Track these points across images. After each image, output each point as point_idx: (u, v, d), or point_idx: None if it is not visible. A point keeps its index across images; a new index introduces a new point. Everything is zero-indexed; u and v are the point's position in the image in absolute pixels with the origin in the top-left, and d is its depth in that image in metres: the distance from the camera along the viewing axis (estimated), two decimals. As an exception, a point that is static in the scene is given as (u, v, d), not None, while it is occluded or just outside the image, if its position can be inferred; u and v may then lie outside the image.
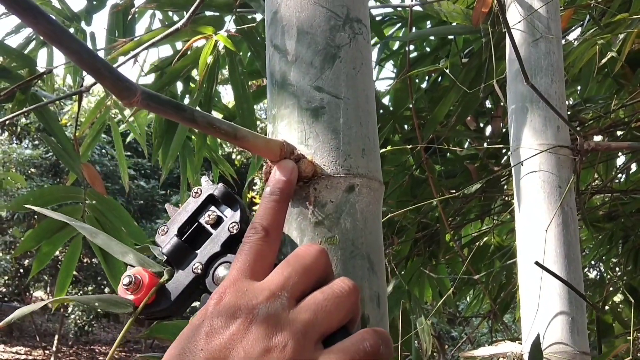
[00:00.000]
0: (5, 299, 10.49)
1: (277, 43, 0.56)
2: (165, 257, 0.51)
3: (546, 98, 1.08)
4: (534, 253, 1.08)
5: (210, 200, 0.53)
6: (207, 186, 0.53)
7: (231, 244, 0.49)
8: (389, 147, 1.66)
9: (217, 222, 0.51)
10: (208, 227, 0.51)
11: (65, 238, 1.87)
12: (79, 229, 0.56)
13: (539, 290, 1.07)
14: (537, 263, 0.93)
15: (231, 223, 0.50)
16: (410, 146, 1.71)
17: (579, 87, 2.11)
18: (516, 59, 1.08)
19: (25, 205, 2.07)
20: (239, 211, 0.51)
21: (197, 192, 0.53)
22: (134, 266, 0.52)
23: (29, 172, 9.02)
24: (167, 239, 0.51)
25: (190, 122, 0.42)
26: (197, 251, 0.50)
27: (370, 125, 0.55)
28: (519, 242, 1.14)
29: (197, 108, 1.72)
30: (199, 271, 0.49)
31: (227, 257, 0.49)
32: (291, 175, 0.49)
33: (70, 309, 9.78)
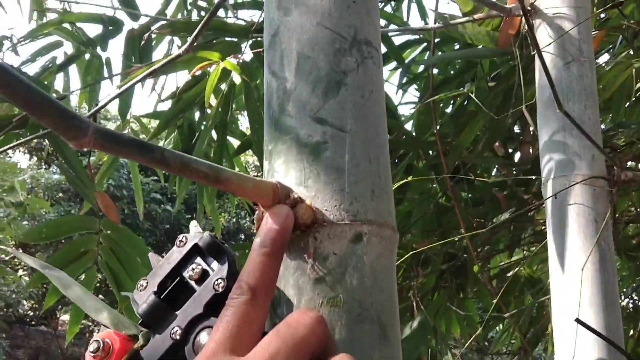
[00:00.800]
0: (33, 322, 10.52)
1: (275, 69, 0.49)
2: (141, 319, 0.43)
3: (580, 125, 1.00)
4: (568, 294, 0.99)
5: (197, 250, 0.45)
6: (194, 234, 0.46)
7: (216, 305, 0.42)
8: (410, 177, 1.58)
9: (202, 277, 0.44)
10: (192, 282, 0.44)
11: (81, 268, 1.82)
12: (51, 278, 0.49)
13: (574, 335, 0.97)
14: (577, 320, 0.84)
15: (217, 279, 0.43)
16: (434, 176, 1.63)
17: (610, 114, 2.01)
18: (547, 83, 1.00)
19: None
20: (226, 265, 0.44)
21: (181, 241, 0.46)
22: (108, 327, 0.45)
23: (57, 196, 9.07)
24: (144, 296, 0.44)
25: (159, 165, 0.35)
26: (177, 312, 0.43)
27: (382, 162, 0.48)
28: (553, 282, 1.04)
29: (213, 133, 1.67)
30: (178, 337, 0.42)
31: (210, 321, 0.42)
32: (285, 222, 0.42)
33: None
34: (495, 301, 1.56)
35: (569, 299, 0.97)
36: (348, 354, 0.38)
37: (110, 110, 9.11)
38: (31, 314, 10.33)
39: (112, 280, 1.76)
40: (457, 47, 1.91)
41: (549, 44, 1.13)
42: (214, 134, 1.66)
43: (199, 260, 0.45)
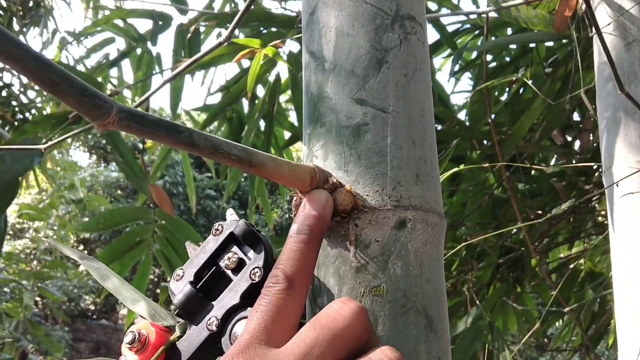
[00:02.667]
0: (94, 316, 10.84)
1: (313, 49, 0.47)
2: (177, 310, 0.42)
3: (644, 108, 0.94)
4: (633, 291, 0.93)
5: (233, 239, 0.44)
6: (230, 222, 0.45)
7: (253, 294, 0.40)
8: (461, 166, 1.53)
9: (239, 266, 0.42)
10: (228, 272, 0.43)
11: (136, 257, 1.86)
12: (90, 270, 0.48)
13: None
14: None
15: (253, 269, 0.41)
16: (488, 165, 1.58)
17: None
18: (607, 65, 0.94)
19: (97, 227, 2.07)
20: (262, 253, 0.42)
21: (217, 230, 0.44)
22: (144, 317, 0.44)
23: (115, 193, 9.31)
24: (181, 286, 0.43)
25: (188, 147, 0.33)
26: (214, 302, 0.42)
27: (427, 145, 0.45)
28: (616, 277, 0.99)
29: (262, 124, 1.66)
30: (214, 328, 0.40)
31: (247, 311, 0.40)
32: (324, 209, 0.40)
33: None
34: (553, 295, 1.49)
35: (634, 296, 0.92)
36: (391, 346, 0.35)
37: (165, 108, 9.27)
38: (92, 308, 10.65)
39: (168, 268, 1.79)
40: (510, 32, 1.85)
41: (608, 24, 1.07)
42: (263, 126, 1.66)
43: (235, 249, 0.43)
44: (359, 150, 0.43)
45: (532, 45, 1.71)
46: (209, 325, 0.41)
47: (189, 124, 2.30)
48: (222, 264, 0.43)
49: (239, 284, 0.41)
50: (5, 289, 6.13)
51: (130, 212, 1.95)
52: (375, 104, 0.43)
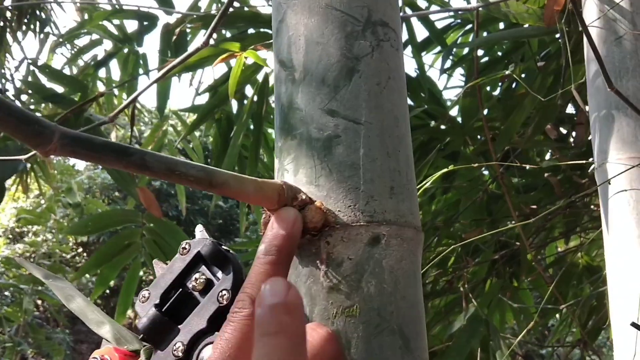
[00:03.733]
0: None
1: (283, 58, 0.45)
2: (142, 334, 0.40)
3: (634, 104, 0.92)
4: (628, 289, 0.92)
5: (201, 258, 0.42)
6: (198, 241, 0.43)
7: (220, 318, 0.39)
8: (451, 166, 1.51)
9: (207, 287, 0.41)
10: (196, 293, 0.41)
11: (125, 261, 1.85)
12: (54, 289, 0.46)
13: (636, 332, 0.90)
14: (633, 324, 0.77)
15: (221, 291, 0.40)
16: (478, 165, 1.56)
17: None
18: (595, 60, 0.92)
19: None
20: (231, 274, 0.40)
21: (184, 248, 0.43)
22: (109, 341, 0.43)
23: (113, 196, 9.28)
24: (147, 309, 0.41)
25: (141, 170, 0.31)
26: (180, 326, 0.40)
27: (402, 156, 0.43)
28: (610, 275, 0.97)
29: (251, 126, 1.64)
30: (180, 354, 0.39)
31: (214, 336, 0.39)
32: (293, 227, 0.38)
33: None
34: (549, 290, 1.48)
35: (629, 294, 0.90)
36: None
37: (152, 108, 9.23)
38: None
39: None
40: (502, 27, 1.83)
41: (598, 18, 1.06)
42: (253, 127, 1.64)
43: (203, 269, 0.42)
44: (331, 163, 0.41)
45: (525, 40, 1.68)
46: (175, 351, 0.39)
47: (178, 125, 2.29)
48: (189, 285, 0.41)
49: (206, 307, 0.40)
50: (6, 293, 6.12)
51: (119, 215, 1.94)
52: (347, 114, 0.42)
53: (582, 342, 1.81)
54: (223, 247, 0.42)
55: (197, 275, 0.41)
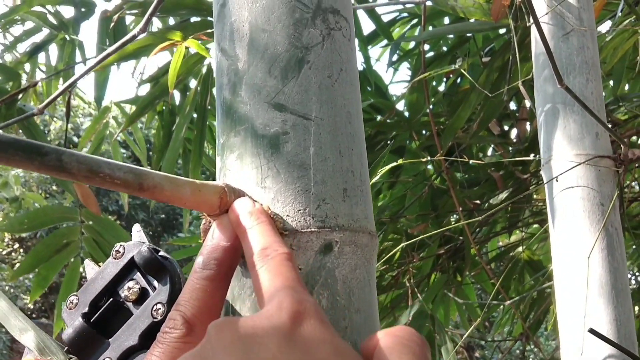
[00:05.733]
0: (33, 315, 10.48)
1: (225, 46, 0.41)
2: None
3: (582, 100, 0.92)
4: (574, 284, 0.92)
5: (135, 264, 0.38)
6: (134, 244, 0.38)
7: (153, 334, 0.34)
8: (401, 159, 1.50)
9: (141, 297, 0.36)
10: (129, 304, 0.37)
11: (63, 260, 1.77)
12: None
13: (582, 329, 0.90)
14: (591, 330, 0.77)
15: (155, 304, 0.35)
16: (426, 160, 1.55)
17: (611, 83, 1.93)
18: (544, 55, 0.92)
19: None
20: (167, 286, 0.36)
21: (118, 252, 0.38)
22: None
23: (51, 189, 8.97)
24: (74, 317, 0.37)
25: (57, 172, 0.27)
26: (110, 339, 0.36)
27: (355, 155, 0.40)
28: (556, 272, 0.97)
29: (195, 118, 1.59)
30: None
31: (146, 354, 0.34)
32: (236, 238, 0.34)
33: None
34: (495, 288, 1.48)
35: (575, 290, 0.90)
36: None
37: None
38: (31, 307, 10.30)
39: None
40: (448, 21, 1.82)
41: (546, 14, 1.05)
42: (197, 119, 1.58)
43: (137, 276, 0.37)
44: (278, 163, 0.37)
45: (470, 35, 1.68)
46: None
47: (120, 117, 2.20)
48: (122, 293, 0.37)
49: (138, 321, 0.35)
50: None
51: (56, 212, 1.84)
52: (295, 109, 0.38)
53: (524, 335, 1.83)
54: (161, 253, 0.37)
55: (130, 283, 0.37)
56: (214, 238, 0.34)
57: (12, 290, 8.54)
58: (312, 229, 0.36)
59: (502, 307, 2.32)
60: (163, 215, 9.66)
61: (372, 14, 1.64)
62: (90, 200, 1.70)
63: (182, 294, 0.33)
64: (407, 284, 1.84)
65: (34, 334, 0.40)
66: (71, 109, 1.50)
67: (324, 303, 0.35)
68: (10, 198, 5.10)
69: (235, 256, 0.34)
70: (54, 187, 9.12)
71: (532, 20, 1.10)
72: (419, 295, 1.73)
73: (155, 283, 0.37)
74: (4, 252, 9.25)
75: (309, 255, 0.36)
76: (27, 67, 1.89)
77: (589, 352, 0.89)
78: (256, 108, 0.38)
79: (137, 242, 0.39)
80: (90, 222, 1.75)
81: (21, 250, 9.27)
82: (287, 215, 0.36)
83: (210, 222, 0.36)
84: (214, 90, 1.49)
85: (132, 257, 0.38)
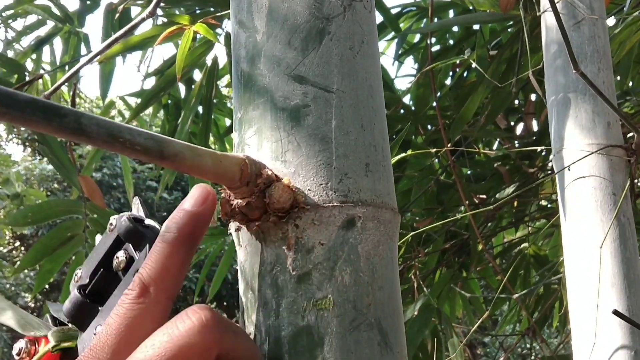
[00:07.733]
0: (34, 313, 10.50)
1: (242, 18, 0.40)
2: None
3: (596, 86, 0.91)
4: (586, 274, 0.91)
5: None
6: (126, 216, 0.39)
7: None
8: (409, 151, 1.49)
9: (128, 265, 0.37)
10: (120, 272, 0.37)
11: (67, 254, 1.76)
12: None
13: (595, 320, 0.89)
14: (615, 312, 0.75)
15: (137, 270, 0.35)
16: (435, 150, 1.54)
17: (617, 78, 1.92)
18: (555, 44, 0.91)
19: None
20: (143, 252, 0.36)
21: (111, 224, 0.39)
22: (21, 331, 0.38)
23: (52, 187, 8.97)
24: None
25: (76, 135, 0.26)
26: (101, 307, 0.36)
27: (377, 129, 0.38)
28: (568, 262, 0.96)
29: (200, 110, 1.57)
30: None
31: None
32: (202, 205, 0.33)
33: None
34: (502, 283, 1.47)
35: (587, 281, 0.89)
36: None
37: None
38: (32, 305, 10.31)
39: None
40: (452, 15, 1.81)
41: (557, 2, 1.04)
42: (202, 112, 1.57)
43: (127, 245, 0.38)
44: (299, 136, 0.36)
45: (476, 27, 1.67)
46: (96, 332, 0.36)
47: (125, 111, 2.19)
48: (114, 263, 0.37)
49: (123, 287, 0.36)
50: None
51: (60, 206, 1.83)
52: (316, 81, 0.37)
53: (530, 330, 1.82)
54: (147, 222, 0.37)
55: (119, 253, 0.37)
56: (184, 204, 0.33)
57: (12, 289, 8.55)
58: (335, 204, 0.35)
59: (506, 305, 2.30)
60: (165, 213, 9.65)
61: (379, 5, 1.63)
62: (95, 193, 1.69)
63: (147, 257, 0.33)
64: (413, 279, 1.83)
65: (12, 312, 0.41)
66: (75, 104, 1.49)
67: (347, 280, 0.34)
68: (11, 195, 5.10)
69: (200, 223, 0.33)
70: (56, 185, 9.12)
71: (541, 10, 1.09)
72: (425, 289, 1.72)
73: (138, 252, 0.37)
74: (5, 250, 9.26)
75: (331, 230, 0.35)
76: (30, 65, 1.88)
77: (601, 343, 0.88)
78: (275, 81, 0.37)
79: (129, 215, 0.39)
80: (95, 216, 1.74)
81: (22, 248, 9.27)
82: (309, 189, 0.35)
83: (229, 196, 0.35)
84: (220, 83, 1.47)
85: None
